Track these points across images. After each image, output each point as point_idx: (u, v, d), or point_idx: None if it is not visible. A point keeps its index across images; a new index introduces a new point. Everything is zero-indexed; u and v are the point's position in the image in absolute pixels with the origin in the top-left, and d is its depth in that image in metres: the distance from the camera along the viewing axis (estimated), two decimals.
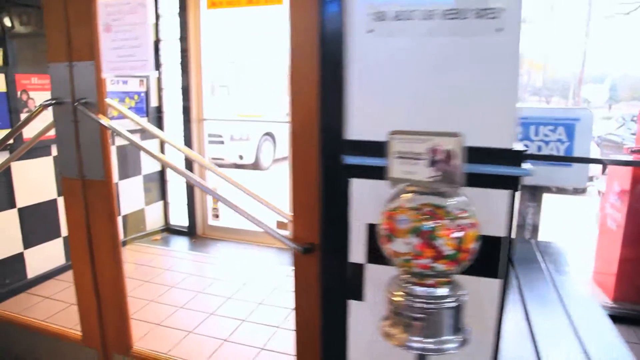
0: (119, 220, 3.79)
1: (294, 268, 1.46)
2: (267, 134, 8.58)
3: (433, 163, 0.96)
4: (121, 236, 3.82)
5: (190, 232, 4.17)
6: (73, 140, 1.72)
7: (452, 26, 1.07)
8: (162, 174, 4.23)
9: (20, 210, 3.00)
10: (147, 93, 4.00)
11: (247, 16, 6.84)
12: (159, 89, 4.14)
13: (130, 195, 3.90)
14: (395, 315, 1.02)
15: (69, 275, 3.28)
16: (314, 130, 1.30)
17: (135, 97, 3.88)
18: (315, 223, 1.36)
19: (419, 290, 0.99)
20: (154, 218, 4.20)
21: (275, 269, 3.41)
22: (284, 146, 8.81)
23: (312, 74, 1.27)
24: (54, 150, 3.20)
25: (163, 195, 4.27)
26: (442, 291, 0.99)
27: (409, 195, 0.99)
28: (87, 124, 1.69)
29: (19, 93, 2.94)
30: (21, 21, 3.02)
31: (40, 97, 3.07)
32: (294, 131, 1.35)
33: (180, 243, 4.05)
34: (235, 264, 3.52)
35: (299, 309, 1.46)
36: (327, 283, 1.37)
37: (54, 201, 3.23)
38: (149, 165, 4.09)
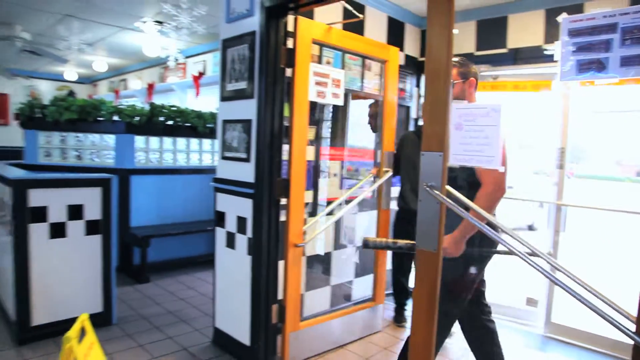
0: (328, 289, 4.02)
1: None
2: None
3: None
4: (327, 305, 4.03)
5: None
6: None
7: None
8: None
9: (308, 258, 3.58)
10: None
11: None
12: None
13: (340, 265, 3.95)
14: None
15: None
16: None
17: None
18: None
19: None
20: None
21: None
22: None
23: None
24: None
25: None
26: None
27: None
28: (429, 204, 2.01)
29: (321, 162, 3.59)
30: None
31: (334, 165, 3.69)
32: None
33: None
34: None
35: None
36: None
37: (329, 254, 3.76)
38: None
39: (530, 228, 9.17)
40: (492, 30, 4.00)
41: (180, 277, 4.73)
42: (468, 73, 2.47)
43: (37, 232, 3.13)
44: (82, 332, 2.00)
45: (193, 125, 5.26)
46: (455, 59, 2.49)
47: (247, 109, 2.80)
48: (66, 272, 3.28)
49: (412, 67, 4.39)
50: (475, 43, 4.10)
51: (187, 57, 7.50)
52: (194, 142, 5.43)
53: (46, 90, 10.98)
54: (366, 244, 2.60)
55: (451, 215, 2.02)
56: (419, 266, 2.07)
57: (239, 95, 2.87)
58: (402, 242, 2.48)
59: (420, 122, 4.32)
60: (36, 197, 3.13)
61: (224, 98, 3.02)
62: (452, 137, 1.98)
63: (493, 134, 1.84)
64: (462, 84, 2.46)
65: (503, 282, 5.13)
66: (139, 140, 4.95)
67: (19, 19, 6.40)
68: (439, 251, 2.02)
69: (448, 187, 2.05)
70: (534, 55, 3.75)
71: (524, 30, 3.80)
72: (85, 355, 1.89)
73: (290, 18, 2.80)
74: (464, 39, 4.15)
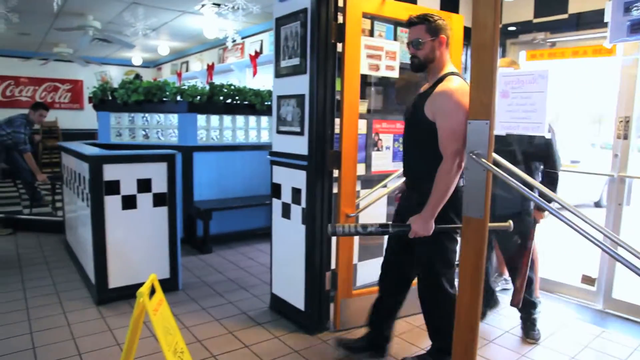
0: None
1: None
2: None
3: None
4: None
5: None
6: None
7: None
8: None
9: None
10: None
11: None
12: None
13: None
14: None
15: None
16: None
17: None
18: None
19: None
20: None
21: None
22: None
23: None
24: None
25: None
26: None
27: None
28: (475, 172, 2.04)
29: (373, 135, 3.64)
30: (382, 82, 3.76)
31: (386, 138, 3.73)
32: None
33: None
34: None
35: None
36: None
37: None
38: None
39: (597, 205, 8.76)
40: None
41: (241, 249, 4.99)
42: (438, 29, 2.25)
43: (112, 203, 3.43)
44: (152, 291, 2.22)
45: (251, 103, 5.45)
46: (422, 14, 2.30)
47: (301, 84, 2.91)
48: (137, 241, 3.58)
49: (467, 38, 4.30)
50: (534, 9, 3.96)
51: (244, 37, 7.69)
52: (252, 119, 5.63)
53: (115, 75, 11.66)
54: (334, 232, 2.31)
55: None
56: (465, 232, 2.11)
57: (292, 71, 2.98)
58: (372, 225, 2.28)
59: None
60: (110, 172, 3.42)
61: (278, 75, 3.14)
62: (497, 104, 1.99)
63: (540, 100, 1.84)
64: (431, 42, 2.27)
65: (558, 259, 5.01)
66: (201, 119, 5.20)
67: (91, 9, 6.82)
68: (485, 218, 2.05)
69: (496, 156, 2.07)
70: (598, 20, 3.57)
71: None
72: (155, 309, 2.10)
73: None
74: (522, 5, 4.02)
